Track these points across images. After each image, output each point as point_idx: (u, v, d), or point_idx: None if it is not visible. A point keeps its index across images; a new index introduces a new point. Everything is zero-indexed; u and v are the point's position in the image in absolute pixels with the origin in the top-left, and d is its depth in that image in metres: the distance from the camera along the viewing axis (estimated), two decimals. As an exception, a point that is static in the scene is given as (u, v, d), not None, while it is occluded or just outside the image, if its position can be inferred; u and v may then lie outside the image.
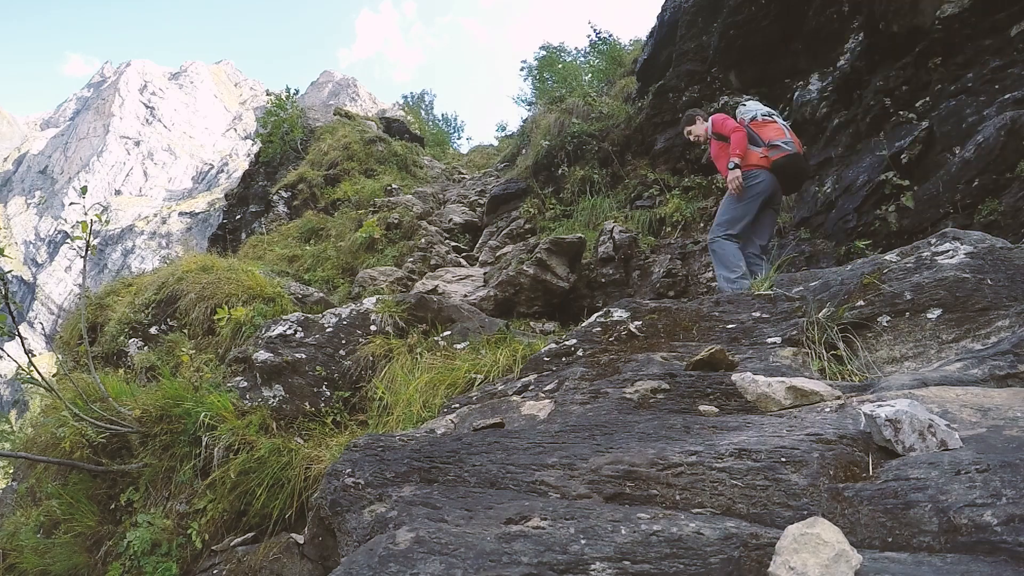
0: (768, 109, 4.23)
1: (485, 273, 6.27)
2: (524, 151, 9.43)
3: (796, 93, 5.38)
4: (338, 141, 12.30)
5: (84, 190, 4.33)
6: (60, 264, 67.62)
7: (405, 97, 21.17)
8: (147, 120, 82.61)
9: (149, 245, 66.49)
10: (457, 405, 2.27)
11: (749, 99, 4.88)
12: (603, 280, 5.40)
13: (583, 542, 0.91)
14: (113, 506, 3.47)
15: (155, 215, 71.65)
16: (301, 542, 2.63)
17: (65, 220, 69.00)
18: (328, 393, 3.52)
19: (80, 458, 3.45)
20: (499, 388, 2.36)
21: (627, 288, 5.35)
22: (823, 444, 1.15)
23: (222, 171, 77.51)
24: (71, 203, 3.83)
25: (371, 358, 3.59)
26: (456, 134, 21.29)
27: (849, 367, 1.89)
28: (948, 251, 2.08)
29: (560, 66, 12.75)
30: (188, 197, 75.82)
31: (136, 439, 3.52)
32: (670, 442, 1.30)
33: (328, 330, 3.82)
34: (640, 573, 0.85)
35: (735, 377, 1.66)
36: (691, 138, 4.53)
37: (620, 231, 5.59)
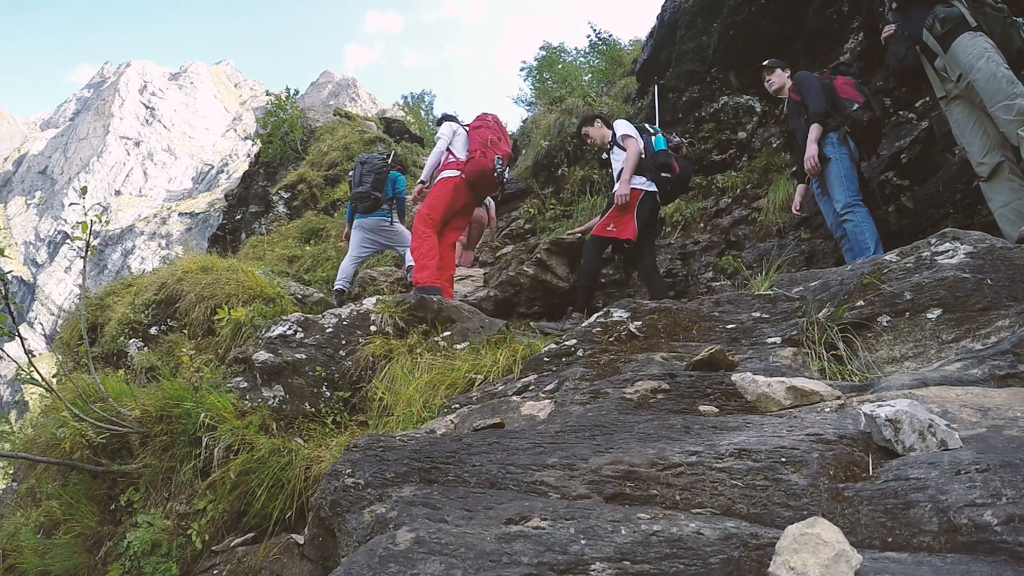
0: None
1: (485, 273, 6.27)
2: (524, 151, 9.44)
3: (796, 93, 5.38)
4: (338, 141, 12.32)
5: (84, 190, 4.34)
6: (60, 264, 67.65)
7: (405, 98, 21.13)
8: (147, 120, 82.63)
9: (149, 246, 66.51)
10: (457, 405, 2.27)
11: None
12: (603, 280, 5.40)
13: (583, 542, 0.91)
14: (113, 506, 3.47)
15: (155, 215, 71.66)
16: (301, 542, 2.63)
17: (65, 220, 68.98)
18: (328, 393, 3.52)
19: (80, 458, 3.45)
20: (499, 388, 2.36)
21: (627, 288, 5.36)
22: (823, 444, 1.15)
23: (222, 171, 77.53)
24: (71, 203, 3.84)
25: (371, 358, 3.59)
26: (456, 134, 21.16)
27: (849, 367, 1.89)
28: (948, 251, 2.08)
29: (560, 66, 12.75)
30: (188, 197, 75.82)
31: (136, 439, 3.52)
32: (670, 442, 1.30)
33: (328, 330, 3.82)
34: (640, 573, 0.85)
35: (735, 377, 1.66)
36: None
37: (620, 231, 5.58)
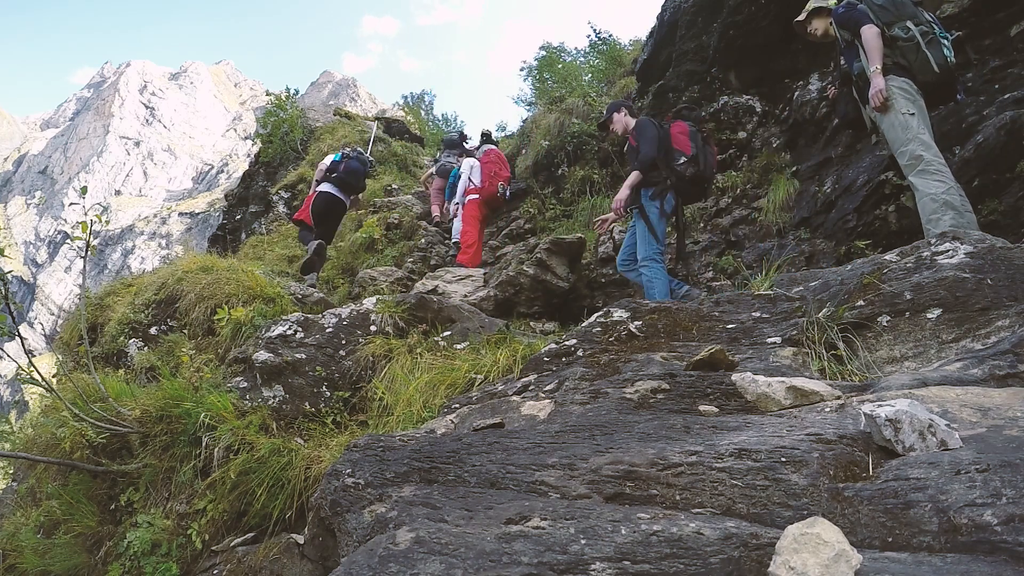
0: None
1: (485, 273, 6.26)
2: (524, 151, 9.42)
3: (796, 93, 5.38)
4: (338, 141, 12.29)
5: (84, 190, 4.34)
6: (60, 264, 67.58)
7: (405, 97, 21.14)
8: (147, 120, 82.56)
9: (149, 245, 66.47)
10: (457, 405, 2.27)
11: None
12: (603, 280, 5.40)
13: (583, 542, 0.91)
14: (113, 506, 3.47)
15: (155, 215, 71.60)
16: (301, 542, 2.63)
17: (65, 220, 68.91)
18: (328, 393, 3.52)
19: (80, 458, 3.45)
20: (499, 388, 2.36)
21: (627, 288, 5.35)
22: (823, 444, 1.15)
23: (222, 171, 77.46)
24: (71, 203, 3.85)
25: (371, 358, 3.59)
26: (456, 134, 21.19)
27: (849, 367, 1.89)
28: (948, 251, 2.08)
29: (560, 66, 12.73)
30: (188, 197, 75.76)
31: (136, 439, 3.52)
32: (670, 442, 1.30)
33: (328, 330, 3.82)
34: (640, 573, 0.85)
35: (735, 377, 1.66)
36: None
37: (620, 231, 5.58)
